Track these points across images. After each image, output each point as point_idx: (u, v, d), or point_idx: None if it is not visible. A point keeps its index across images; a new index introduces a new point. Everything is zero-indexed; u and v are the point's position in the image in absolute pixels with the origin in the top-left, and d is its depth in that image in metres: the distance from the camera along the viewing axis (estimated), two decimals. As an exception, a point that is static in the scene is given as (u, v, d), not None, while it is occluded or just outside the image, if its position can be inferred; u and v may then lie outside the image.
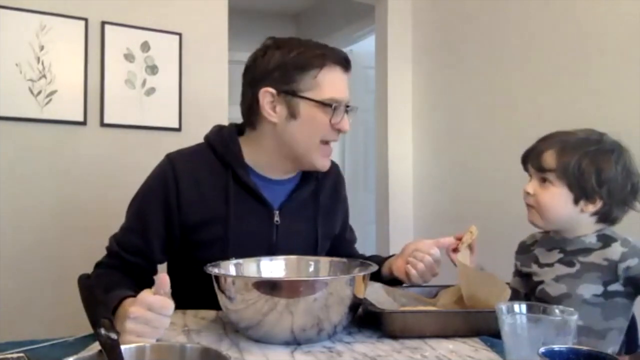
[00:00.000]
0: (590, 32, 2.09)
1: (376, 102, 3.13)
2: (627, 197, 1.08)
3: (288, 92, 1.11)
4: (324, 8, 4.15)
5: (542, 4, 2.29)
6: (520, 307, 0.76)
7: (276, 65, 1.11)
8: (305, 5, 4.31)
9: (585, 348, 0.65)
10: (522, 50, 2.38)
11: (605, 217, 1.09)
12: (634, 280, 1.03)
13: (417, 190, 3.03)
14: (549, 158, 1.09)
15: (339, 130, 1.15)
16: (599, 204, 1.07)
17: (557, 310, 0.75)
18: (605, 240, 1.08)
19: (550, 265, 1.13)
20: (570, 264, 1.10)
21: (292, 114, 1.12)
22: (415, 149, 3.05)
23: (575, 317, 0.71)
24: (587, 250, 1.09)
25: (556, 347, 0.64)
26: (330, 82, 1.12)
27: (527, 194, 1.13)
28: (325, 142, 1.17)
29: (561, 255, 1.12)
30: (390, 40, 3.03)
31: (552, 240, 1.16)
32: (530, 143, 1.16)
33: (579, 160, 1.06)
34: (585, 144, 1.08)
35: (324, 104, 1.11)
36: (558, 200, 1.08)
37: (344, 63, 1.15)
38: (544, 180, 1.10)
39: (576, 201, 1.07)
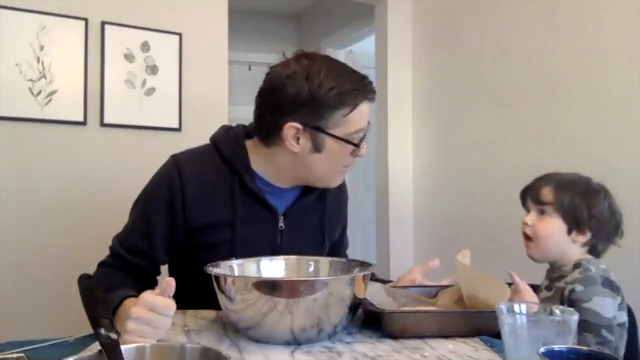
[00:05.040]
0: (593, 32, 2.09)
1: (376, 102, 3.11)
2: (611, 233, 1.23)
3: (315, 128, 1.08)
4: (324, 8, 4.16)
5: (542, 3, 2.29)
6: (520, 307, 0.76)
7: (305, 100, 1.05)
8: (305, 5, 4.31)
9: (585, 348, 0.65)
10: (522, 49, 2.38)
11: (592, 249, 1.23)
12: (572, 304, 1.12)
13: (417, 190, 3.04)
14: (547, 193, 1.23)
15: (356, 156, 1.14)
16: (588, 236, 1.21)
17: (557, 311, 0.75)
18: (575, 267, 1.19)
19: (541, 291, 1.25)
20: (549, 289, 1.23)
21: (317, 148, 1.10)
22: (415, 149, 3.05)
23: (575, 317, 0.71)
24: (562, 277, 1.20)
25: (556, 347, 0.64)
26: (358, 117, 1.09)
27: (526, 224, 1.25)
28: (344, 166, 1.16)
29: (547, 282, 1.25)
30: (390, 40, 3.03)
31: (547, 270, 1.29)
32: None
33: (573, 195, 1.21)
34: (576, 183, 1.24)
35: (350, 142, 1.10)
36: (554, 229, 1.21)
37: (373, 96, 1.12)
38: (542, 213, 1.23)
39: (569, 232, 1.21)
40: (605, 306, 1.11)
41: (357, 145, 1.11)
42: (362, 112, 1.10)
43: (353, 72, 1.10)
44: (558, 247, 1.22)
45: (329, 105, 1.06)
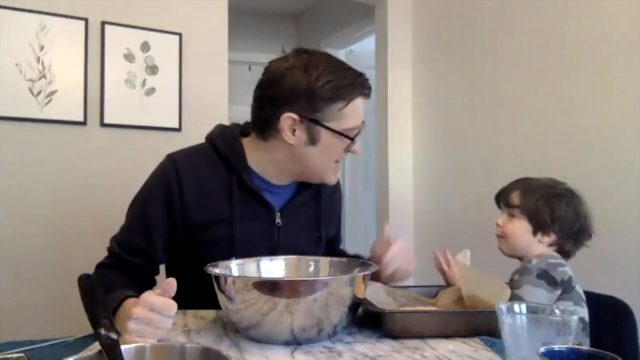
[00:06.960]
0: (590, 35, 2.09)
1: (376, 102, 3.13)
2: (577, 235, 1.32)
3: (311, 120, 1.10)
4: (324, 8, 4.16)
5: (541, 4, 2.29)
6: (520, 307, 0.76)
7: (303, 92, 1.08)
8: (305, 5, 4.31)
9: (585, 348, 0.65)
10: (522, 49, 2.38)
11: (560, 249, 1.32)
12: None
13: (417, 190, 3.03)
14: (515, 197, 1.35)
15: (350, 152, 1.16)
16: (553, 237, 1.31)
17: (557, 311, 0.75)
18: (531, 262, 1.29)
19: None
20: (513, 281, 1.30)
21: (312, 141, 1.11)
22: (415, 149, 3.05)
23: (575, 317, 0.71)
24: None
25: (556, 347, 0.64)
26: (353, 113, 1.11)
27: (497, 225, 1.39)
28: (336, 161, 1.18)
29: (512, 275, 1.32)
30: (390, 40, 3.03)
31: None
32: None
33: (537, 200, 1.32)
34: (542, 188, 1.34)
35: (345, 135, 1.12)
36: (520, 230, 1.33)
37: (369, 92, 1.14)
38: (511, 215, 1.36)
39: (534, 232, 1.32)
40: (533, 295, 1.21)
41: (352, 139, 1.13)
42: (358, 109, 1.13)
43: (350, 69, 1.13)
44: (524, 245, 1.34)
45: (325, 98, 1.08)
